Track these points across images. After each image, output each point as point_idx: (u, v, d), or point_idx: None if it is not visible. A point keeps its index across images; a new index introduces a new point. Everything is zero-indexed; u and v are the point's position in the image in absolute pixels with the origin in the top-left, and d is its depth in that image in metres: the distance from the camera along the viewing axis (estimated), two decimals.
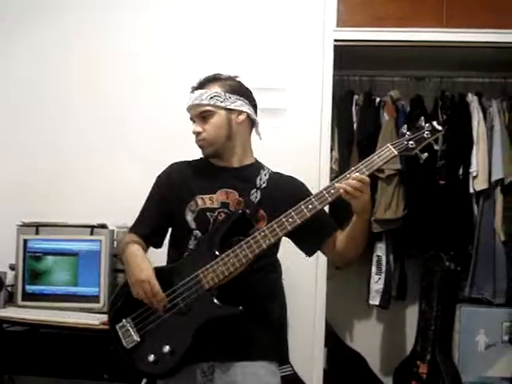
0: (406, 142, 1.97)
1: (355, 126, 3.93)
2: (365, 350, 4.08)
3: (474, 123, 3.78)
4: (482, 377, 3.73)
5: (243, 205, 2.08)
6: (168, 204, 2.16)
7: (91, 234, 3.23)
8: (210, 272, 1.97)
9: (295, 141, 3.48)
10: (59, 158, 3.56)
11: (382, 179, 3.76)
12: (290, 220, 1.95)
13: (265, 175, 2.18)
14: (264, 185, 2.14)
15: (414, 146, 1.97)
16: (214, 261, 1.98)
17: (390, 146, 1.97)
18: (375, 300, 3.90)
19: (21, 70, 3.63)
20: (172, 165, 2.26)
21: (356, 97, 3.98)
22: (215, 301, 1.96)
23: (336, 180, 1.97)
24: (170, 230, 2.22)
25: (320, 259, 3.19)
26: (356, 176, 1.92)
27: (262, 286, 2.10)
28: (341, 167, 3.82)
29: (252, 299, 2.02)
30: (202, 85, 2.15)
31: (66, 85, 3.59)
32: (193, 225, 2.09)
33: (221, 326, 1.99)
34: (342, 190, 1.92)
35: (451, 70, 3.97)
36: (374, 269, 3.89)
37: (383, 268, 3.86)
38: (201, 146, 2.15)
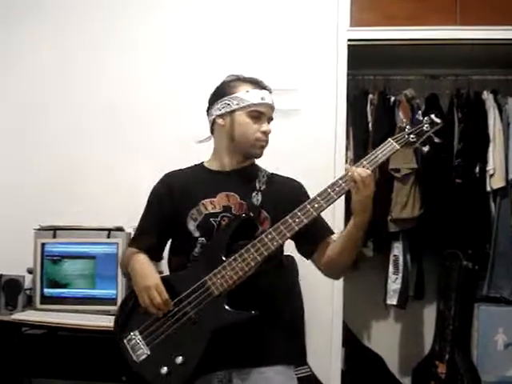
0: (406, 136, 1.97)
1: (370, 125, 3.91)
2: (383, 350, 4.06)
3: (490, 121, 3.75)
4: (502, 376, 3.70)
5: (246, 207, 2.06)
6: (168, 215, 2.13)
7: (108, 236, 3.24)
8: (218, 278, 1.94)
9: (310, 141, 3.47)
10: (76, 162, 3.58)
11: (398, 179, 3.74)
12: (297, 220, 1.93)
13: (263, 177, 2.16)
14: (264, 186, 2.13)
15: (414, 139, 1.98)
16: (221, 266, 1.95)
17: (392, 141, 1.96)
18: (393, 300, 3.88)
19: (35, 72, 3.66)
20: (168, 174, 2.23)
21: (371, 96, 3.97)
22: (226, 307, 1.93)
23: (339, 177, 1.94)
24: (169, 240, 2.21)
25: None
26: (361, 170, 1.89)
27: (271, 288, 2.07)
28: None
29: (263, 302, 1.99)
30: (267, 87, 2.17)
31: (80, 89, 3.61)
32: (196, 233, 2.06)
33: (234, 331, 1.95)
34: (349, 181, 1.89)
35: (466, 67, 3.94)
36: (391, 268, 3.88)
37: (400, 268, 3.84)
38: (262, 147, 2.13)
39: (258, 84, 2.14)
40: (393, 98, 3.93)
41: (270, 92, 2.15)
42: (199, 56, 3.56)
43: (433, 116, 2.00)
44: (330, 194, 1.93)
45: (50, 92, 3.64)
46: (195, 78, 3.51)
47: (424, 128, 1.98)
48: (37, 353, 3.23)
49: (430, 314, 4.10)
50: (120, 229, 3.25)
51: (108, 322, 2.93)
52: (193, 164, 2.25)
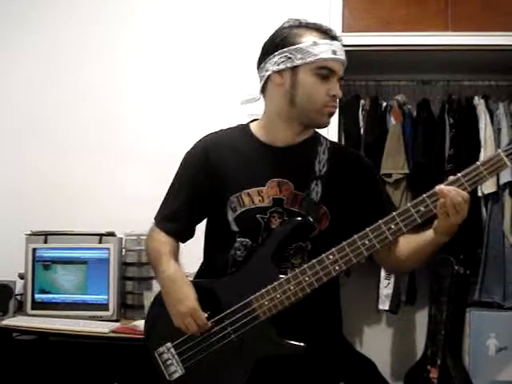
0: None
1: (362, 130, 3.92)
2: (375, 355, 4.05)
3: (481, 126, 3.76)
4: (494, 381, 3.71)
5: (304, 204, 1.72)
6: (203, 194, 1.80)
7: (100, 242, 3.23)
8: (265, 300, 1.67)
9: None
10: (67, 167, 3.57)
11: (390, 184, 3.75)
12: (367, 243, 1.60)
13: (323, 153, 1.78)
14: (324, 170, 1.75)
15: None
16: (270, 286, 1.68)
17: (503, 155, 1.54)
18: (385, 305, 3.88)
19: (27, 74, 3.65)
20: (205, 139, 1.85)
21: (362, 102, 3.97)
22: (275, 336, 1.68)
23: (427, 195, 1.61)
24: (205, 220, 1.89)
25: None
26: (457, 193, 1.55)
27: (320, 308, 1.77)
28: None
29: (309, 324, 1.74)
30: (338, 37, 1.79)
31: (72, 94, 3.61)
32: (234, 227, 1.75)
33: (280, 360, 1.71)
34: (440, 205, 1.56)
35: (457, 73, 3.96)
36: (383, 273, 3.88)
37: None
38: (331, 114, 1.75)
39: (327, 34, 1.76)
40: (384, 104, 3.94)
41: (342, 44, 1.79)
42: (189, 62, 3.56)
43: None
44: (412, 215, 1.59)
45: (41, 96, 3.63)
46: (185, 84, 3.52)
47: None
48: (28, 359, 3.21)
49: (421, 318, 4.10)
50: (112, 234, 3.24)
51: (100, 327, 2.94)
52: (237, 124, 1.89)
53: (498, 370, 3.72)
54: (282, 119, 1.76)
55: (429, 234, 1.66)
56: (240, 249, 1.76)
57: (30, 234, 3.29)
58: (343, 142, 3.85)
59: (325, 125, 1.76)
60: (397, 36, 3.48)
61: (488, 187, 3.69)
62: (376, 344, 4.22)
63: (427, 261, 1.75)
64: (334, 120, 3.51)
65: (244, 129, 1.84)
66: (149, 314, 1.92)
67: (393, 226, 1.59)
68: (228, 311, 1.72)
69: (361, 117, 3.95)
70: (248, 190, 1.73)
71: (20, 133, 3.64)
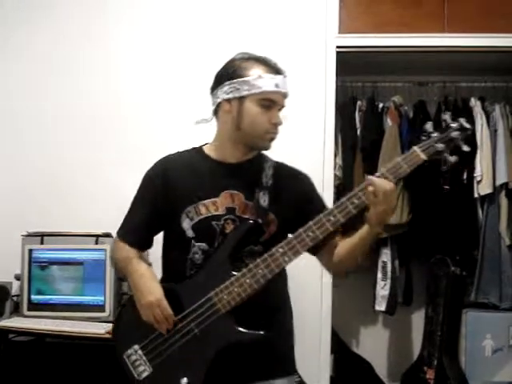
0: (434, 145, 1.78)
1: (359, 132, 3.92)
2: (371, 356, 4.07)
3: (478, 127, 3.77)
4: (490, 382, 3.72)
5: (253, 210, 1.90)
6: (162, 209, 1.96)
7: (96, 243, 3.23)
8: (224, 294, 1.82)
9: (298, 148, 3.47)
10: (63, 168, 3.56)
11: None
12: (311, 234, 1.79)
13: (269, 169, 1.98)
14: (270, 182, 1.95)
15: (443, 148, 1.79)
16: (228, 281, 1.83)
17: (418, 151, 1.78)
18: (381, 306, 3.89)
19: (22, 75, 3.65)
20: (164, 160, 2.05)
21: (359, 103, 3.98)
22: (234, 326, 1.82)
23: (358, 188, 1.79)
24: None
25: None
26: (382, 182, 1.76)
27: (271, 299, 1.94)
28: (344, 174, 3.83)
29: (264, 313, 1.89)
30: (282, 71, 1.95)
31: (70, 95, 3.60)
32: (190, 233, 1.91)
33: (239, 348, 1.85)
34: (369, 192, 1.75)
35: (454, 74, 3.97)
36: (379, 275, 3.88)
37: (389, 274, 3.85)
38: (271, 139, 1.93)
39: (272, 67, 1.93)
40: (381, 105, 3.95)
41: (285, 76, 1.94)
42: (186, 61, 3.56)
43: (462, 121, 1.81)
44: (347, 206, 1.78)
45: (37, 97, 3.62)
46: (182, 83, 3.52)
47: (453, 135, 1.78)
48: (24, 360, 3.21)
49: (418, 320, 4.11)
50: (108, 235, 3.23)
51: (96, 328, 2.94)
52: (191, 147, 2.07)
53: (494, 371, 3.73)
54: (230, 141, 1.96)
55: (362, 229, 1.86)
56: (198, 252, 1.91)
57: (26, 235, 3.28)
58: (340, 143, 3.86)
59: (266, 148, 1.97)
60: (393, 37, 3.48)
61: (484, 188, 3.70)
62: (372, 345, 4.23)
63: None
64: (331, 121, 3.52)
65: (198, 150, 2.04)
66: (117, 320, 2.06)
67: (332, 218, 1.78)
68: (190, 309, 1.86)
69: (357, 118, 3.95)
70: (204, 201, 1.91)
71: (17, 133, 3.63)
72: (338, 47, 3.49)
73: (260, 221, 1.88)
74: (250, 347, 1.86)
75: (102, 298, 3.15)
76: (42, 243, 3.26)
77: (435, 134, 1.79)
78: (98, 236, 3.24)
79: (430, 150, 1.78)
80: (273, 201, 1.93)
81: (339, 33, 3.51)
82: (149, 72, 3.59)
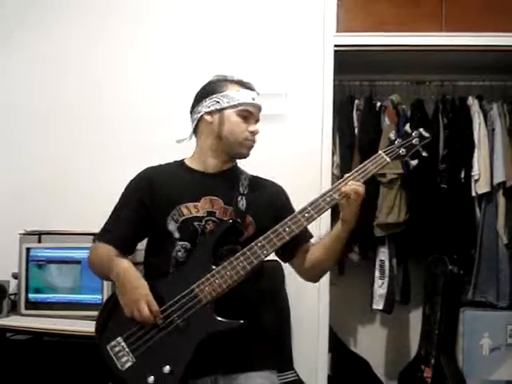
0: (397, 149, 2.03)
1: (356, 131, 3.93)
2: (369, 354, 4.07)
3: (475, 126, 3.78)
4: (487, 380, 3.72)
5: (231, 212, 2.05)
6: (147, 211, 2.08)
7: (93, 241, 3.22)
8: (206, 286, 1.92)
9: (296, 147, 3.48)
10: (61, 167, 3.56)
11: (384, 183, 3.76)
12: (287, 229, 1.95)
13: (245, 180, 2.16)
14: (247, 190, 2.13)
15: (404, 153, 2.04)
16: (209, 273, 1.93)
17: (383, 154, 2.02)
18: (379, 305, 3.89)
19: (23, 74, 3.65)
20: (148, 170, 2.19)
21: (357, 102, 3.98)
22: (215, 316, 1.91)
23: (330, 189, 1.99)
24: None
25: None
26: (353, 183, 1.95)
27: (252, 295, 2.07)
28: (342, 172, 3.83)
29: (244, 309, 1.98)
30: (255, 89, 2.18)
31: (70, 95, 3.60)
32: (176, 234, 2.03)
33: (220, 338, 1.94)
34: (343, 194, 1.94)
35: (451, 73, 3.97)
36: (377, 273, 3.89)
37: (386, 272, 3.85)
38: (250, 147, 2.13)
39: (246, 85, 2.16)
40: (379, 104, 3.95)
41: (258, 94, 2.17)
42: (187, 61, 3.56)
43: (422, 130, 2.06)
44: (320, 203, 1.96)
45: (37, 96, 3.62)
46: (183, 84, 3.50)
47: (413, 142, 2.04)
48: (22, 359, 3.20)
49: (416, 318, 4.11)
50: None
51: (94, 327, 2.93)
52: (172, 161, 2.22)
53: (492, 370, 3.74)
54: (211, 150, 2.13)
55: (336, 229, 2.03)
56: (180, 251, 2.02)
57: (23, 234, 3.28)
58: (337, 142, 3.86)
59: (245, 156, 2.14)
60: (391, 36, 3.48)
61: (482, 187, 3.71)
62: (370, 343, 4.23)
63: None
64: (329, 120, 3.53)
65: (179, 163, 2.20)
66: (100, 314, 2.08)
67: (306, 214, 1.96)
68: (172, 301, 1.94)
69: (355, 117, 3.96)
70: (186, 204, 2.05)
71: (14, 132, 3.63)
72: (335, 46, 3.50)
73: (239, 220, 2.03)
74: (231, 338, 1.95)
75: (100, 297, 3.15)
76: (39, 242, 3.26)
77: (399, 140, 2.04)
78: (95, 234, 3.22)
79: (393, 154, 2.03)
80: (250, 205, 2.09)
81: (337, 32, 3.51)
82: (149, 72, 3.59)
